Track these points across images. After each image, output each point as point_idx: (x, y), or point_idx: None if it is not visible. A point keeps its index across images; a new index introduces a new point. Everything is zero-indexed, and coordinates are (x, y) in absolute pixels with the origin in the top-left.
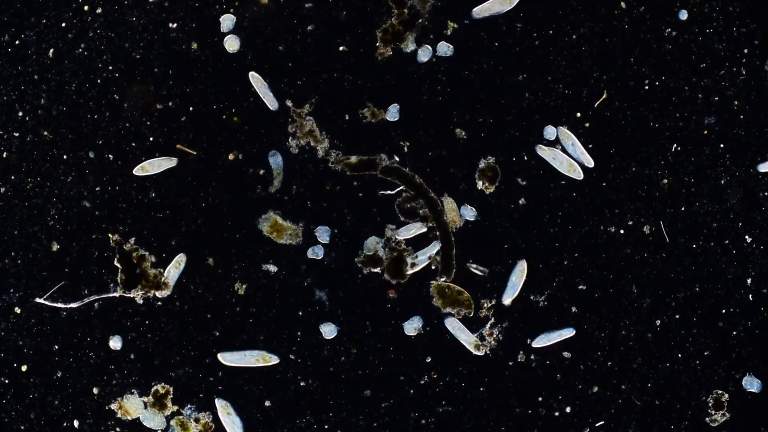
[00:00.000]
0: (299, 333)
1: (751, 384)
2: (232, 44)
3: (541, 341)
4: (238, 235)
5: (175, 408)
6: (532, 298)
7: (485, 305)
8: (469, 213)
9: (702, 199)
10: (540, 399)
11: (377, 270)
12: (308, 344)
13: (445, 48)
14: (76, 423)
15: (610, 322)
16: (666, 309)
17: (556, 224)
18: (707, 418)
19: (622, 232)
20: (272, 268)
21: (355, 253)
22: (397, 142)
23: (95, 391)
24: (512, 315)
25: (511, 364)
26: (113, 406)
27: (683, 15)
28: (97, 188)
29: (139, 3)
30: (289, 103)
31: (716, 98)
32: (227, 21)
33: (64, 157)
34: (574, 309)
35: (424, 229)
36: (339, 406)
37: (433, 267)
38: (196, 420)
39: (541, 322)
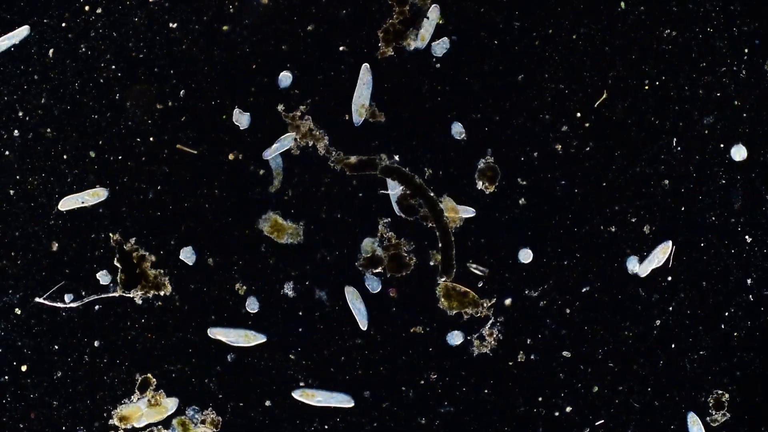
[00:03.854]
0: (299, 332)
1: (739, 153)
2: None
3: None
4: (238, 235)
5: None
6: (532, 298)
7: (485, 305)
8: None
9: (703, 199)
10: (540, 399)
11: (379, 270)
12: (309, 344)
13: (443, 45)
14: (76, 424)
15: (610, 322)
16: (666, 309)
17: (556, 224)
18: (707, 418)
19: (622, 232)
20: (288, 291)
21: (355, 254)
22: (397, 141)
23: (96, 392)
24: (512, 315)
25: (511, 364)
26: (113, 421)
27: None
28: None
29: (140, 3)
30: (280, 108)
31: (717, 97)
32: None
33: (65, 156)
34: (574, 309)
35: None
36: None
37: (432, 263)
38: (201, 422)
39: (541, 322)
